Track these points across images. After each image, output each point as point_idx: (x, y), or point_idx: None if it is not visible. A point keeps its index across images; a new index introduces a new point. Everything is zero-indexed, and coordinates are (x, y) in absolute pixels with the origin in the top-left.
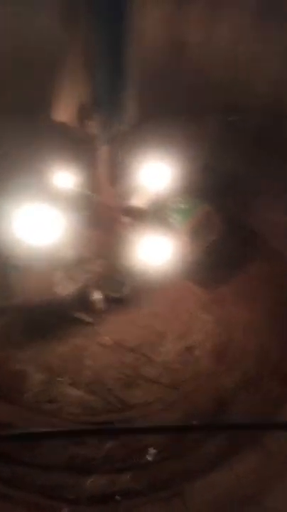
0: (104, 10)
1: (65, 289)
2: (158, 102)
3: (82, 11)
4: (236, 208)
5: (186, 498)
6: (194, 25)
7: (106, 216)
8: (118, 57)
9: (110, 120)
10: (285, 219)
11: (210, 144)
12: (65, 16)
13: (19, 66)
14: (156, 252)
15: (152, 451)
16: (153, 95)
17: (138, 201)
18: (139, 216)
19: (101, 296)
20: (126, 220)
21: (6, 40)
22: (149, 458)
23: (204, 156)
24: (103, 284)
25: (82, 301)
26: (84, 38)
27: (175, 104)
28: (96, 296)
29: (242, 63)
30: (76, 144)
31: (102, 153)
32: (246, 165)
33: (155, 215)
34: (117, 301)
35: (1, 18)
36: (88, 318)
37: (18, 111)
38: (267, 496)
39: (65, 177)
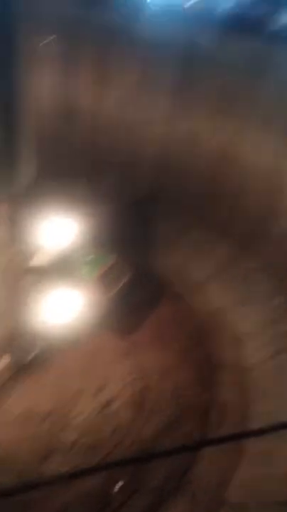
0: None
1: None
2: (56, 162)
3: None
4: (140, 257)
5: None
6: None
7: (10, 276)
8: (13, 118)
9: (9, 179)
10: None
11: (109, 199)
12: None
13: None
14: (65, 307)
15: None
16: (50, 155)
17: (41, 259)
18: (43, 274)
19: (8, 362)
20: (30, 279)
21: None
22: None
23: (105, 211)
24: (9, 348)
25: None
26: None
27: (72, 164)
28: (4, 362)
29: (130, 126)
30: None
31: (2, 211)
32: (146, 217)
33: (61, 269)
34: (26, 366)
35: None
36: None
37: None
38: None
39: None
